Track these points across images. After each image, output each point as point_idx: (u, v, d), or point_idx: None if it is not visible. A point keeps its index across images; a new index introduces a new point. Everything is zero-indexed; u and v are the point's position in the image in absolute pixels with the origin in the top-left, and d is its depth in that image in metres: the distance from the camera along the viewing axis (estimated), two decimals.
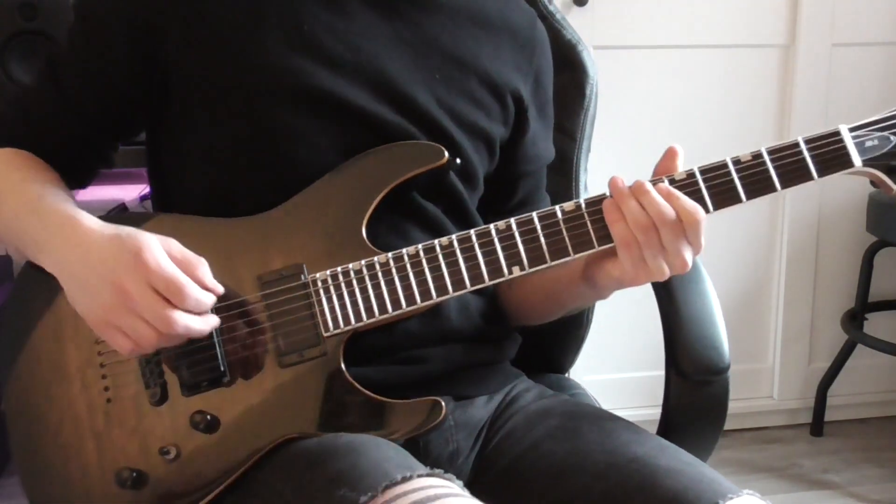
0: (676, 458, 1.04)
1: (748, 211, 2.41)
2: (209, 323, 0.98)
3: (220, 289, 0.99)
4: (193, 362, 1.04)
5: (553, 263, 1.02)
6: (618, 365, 2.46)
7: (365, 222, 1.06)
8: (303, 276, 1.04)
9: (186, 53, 1.07)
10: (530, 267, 1.02)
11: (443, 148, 1.08)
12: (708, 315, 1.26)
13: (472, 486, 1.08)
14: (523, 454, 1.10)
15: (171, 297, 0.95)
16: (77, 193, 1.16)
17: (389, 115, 1.09)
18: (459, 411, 1.14)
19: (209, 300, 0.98)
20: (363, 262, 1.03)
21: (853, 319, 2.55)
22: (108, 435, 1.05)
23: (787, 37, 2.49)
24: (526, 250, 1.02)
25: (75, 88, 1.12)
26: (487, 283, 1.03)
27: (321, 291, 1.04)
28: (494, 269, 1.03)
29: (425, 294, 1.03)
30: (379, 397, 1.03)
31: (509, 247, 1.03)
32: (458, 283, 1.03)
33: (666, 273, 0.99)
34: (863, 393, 2.71)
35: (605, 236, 1.01)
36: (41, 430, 1.07)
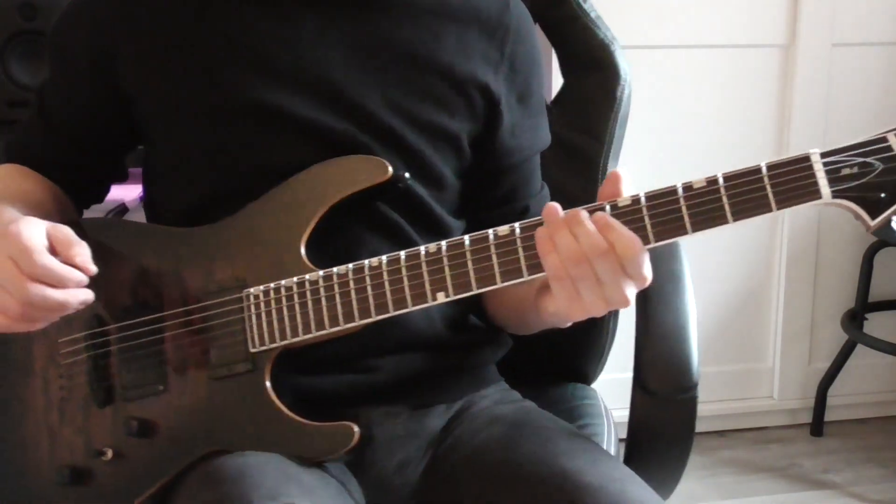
0: (604, 475, 1.00)
1: None
2: (74, 295, 0.98)
3: (92, 269, 0.98)
4: (134, 368, 1.07)
5: (479, 291, 0.97)
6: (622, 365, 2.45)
7: (304, 240, 1.05)
8: (241, 291, 1.05)
9: (139, 76, 1.11)
10: (455, 294, 0.98)
11: (386, 163, 1.05)
12: (679, 330, 1.19)
13: (419, 495, 1.10)
14: (463, 462, 1.09)
15: (20, 264, 0.95)
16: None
17: (336, 124, 1.08)
18: (412, 421, 1.13)
19: (68, 274, 0.97)
20: (295, 279, 1.03)
21: (853, 319, 2.55)
22: (59, 432, 1.09)
23: (787, 37, 2.49)
24: (452, 276, 0.98)
25: (56, 115, 1.19)
26: (411, 308, 0.99)
27: (252, 307, 1.04)
28: (418, 295, 0.99)
29: (348, 316, 1.01)
30: (297, 418, 1.03)
31: (436, 271, 0.98)
32: (380, 306, 1.00)
33: (604, 308, 0.93)
34: (863, 393, 2.71)
35: (535, 265, 0.95)
36: (5, 423, 1.12)
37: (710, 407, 2.59)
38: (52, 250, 0.97)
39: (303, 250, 1.04)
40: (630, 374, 1.23)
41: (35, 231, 0.97)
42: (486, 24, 1.15)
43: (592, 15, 1.40)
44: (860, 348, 2.55)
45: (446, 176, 1.14)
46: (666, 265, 1.26)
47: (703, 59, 2.46)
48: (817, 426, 2.65)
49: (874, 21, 2.51)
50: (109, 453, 1.07)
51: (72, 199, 1.21)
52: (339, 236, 1.07)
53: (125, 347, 1.08)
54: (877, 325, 2.59)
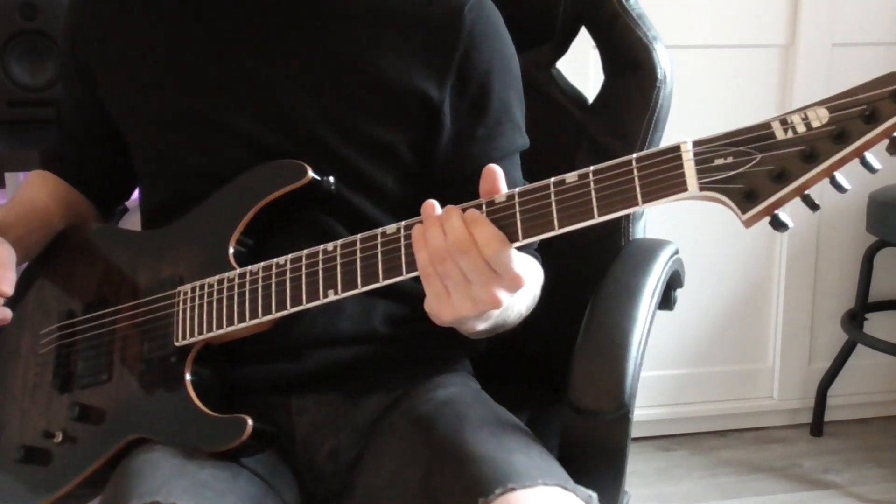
0: (498, 446, 1.00)
1: None
2: None
3: (6, 292, 1.10)
4: (88, 358, 1.15)
5: (364, 289, 0.97)
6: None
7: (232, 241, 1.09)
8: (176, 287, 1.11)
9: (104, 83, 1.19)
10: (343, 291, 0.99)
11: (306, 166, 1.08)
12: (615, 347, 1.10)
13: (347, 481, 1.12)
14: (390, 446, 1.10)
15: None
16: None
17: (266, 135, 1.11)
18: (345, 409, 1.14)
19: None
20: (217, 277, 1.08)
21: (853, 319, 2.55)
22: (28, 415, 1.17)
23: (787, 37, 2.49)
24: (342, 273, 0.99)
25: (66, 118, 1.29)
26: (305, 305, 1.01)
27: (180, 302, 1.09)
28: (312, 292, 1.01)
29: (253, 313, 1.05)
30: (202, 409, 1.06)
31: (329, 269, 1.00)
32: (280, 303, 1.03)
33: (473, 308, 0.90)
34: (863, 393, 2.71)
35: (414, 262, 0.93)
36: None
37: (710, 407, 2.59)
38: None
39: (231, 251, 1.09)
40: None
41: None
42: (433, 31, 1.11)
43: (634, 13, 1.35)
44: (860, 348, 2.55)
45: (385, 184, 1.13)
46: (625, 278, 1.21)
47: (703, 59, 2.46)
48: (817, 426, 2.65)
49: (874, 21, 2.51)
50: (59, 436, 1.13)
51: (94, 200, 1.30)
52: (283, 245, 1.08)
53: (83, 339, 1.16)
54: (877, 325, 2.59)
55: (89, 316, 1.16)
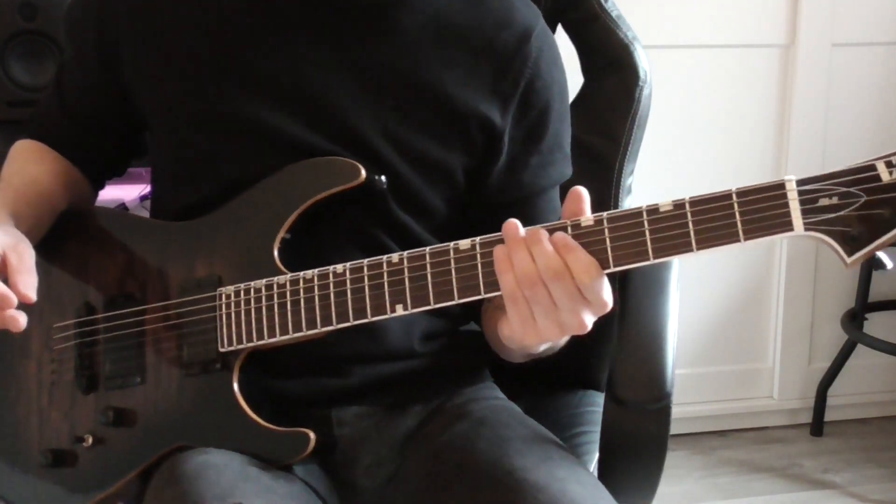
0: (549, 474, 0.98)
1: None
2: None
3: (31, 298, 1.00)
4: (116, 358, 1.09)
5: (437, 306, 0.95)
6: None
7: (277, 242, 1.04)
8: (216, 289, 1.05)
9: (137, 75, 1.12)
10: (413, 307, 0.95)
11: (359, 165, 1.04)
12: (654, 339, 1.13)
13: (386, 496, 1.10)
14: (423, 462, 1.08)
15: None
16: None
17: (321, 143, 1.07)
18: (385, 422, 1.12)
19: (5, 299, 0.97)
20: (265, 281, 1.02)
21: (853, 319, 2.55)
22: (48, 415, 1.12)
23: (787, 37, 2.49)
24: (411, 288, 0.95)
25: (70, 94, 1.20)
26: (370, 318, 0.97)
27: (224, 306, 1.04)
28: (378, 306, 0.97)
29: (311, 323, 1.00)
30: (258, 421, 1.03)
31: (396, 283, 0.96)
32: (341, 315, 0.99)
33: (559, 334, 0.89)
34: (863, 393, 2.71)
35: (493, 283, 0.91)
36: (2, 403, 1.14)
37: (710, 407, 2.59)
38: (4, 269, 1.00)
39: (276, 252, 1.04)
40: None
41: None
42: (501, 57, 1.10)
43: (614, 14, 1.37)
44: (860, 348, 2.55)
45: (435, 205, 1.11)
46: (651, 271, 1.22)
47: (703, 59, 2.46)
48: (817, 426, 2.65)
49: (874, 21, 2.51)
50: (90, 439, 1.08)
51: (87, 175, 1.22)
52: (323, 245, 1.06)
53: (110, 338, 1.10)
54: (877, 325, 2.59)
55: (115, 313, 1.10)
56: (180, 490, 0.96)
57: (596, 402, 1.39)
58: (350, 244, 1.07)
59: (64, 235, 1.16)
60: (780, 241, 2.57)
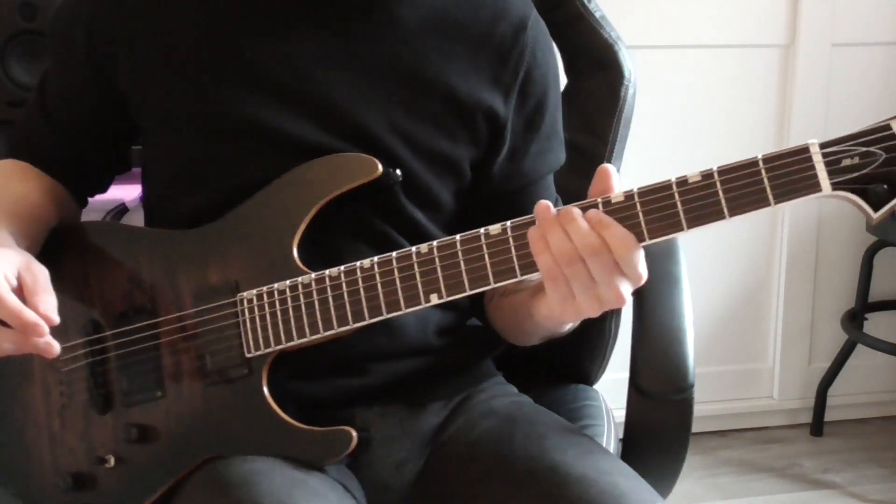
0: (594, 467, 1.00)
1: None
2: (33, 346, 0.95)
3: (55, 320, 0.96)
4: (132, 375, 1.06)
5: (473, 292, 0.96)
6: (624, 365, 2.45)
7: (296, 241, 1.03)
8: (234, 295, 1.03)
9: (135, 81, 1.10)
10: (448, 295, 0.96)
11: (376, 160, 1.03)
12: (675, 331, 1.18)
13: (417, 493, 1.10)
14: (457, 458, 1.09)
15: None
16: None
17: (336, 144, 1.06)
18: (409, 420, 1.12)
19: (30, 322, 0.94)
20: (288, 282, 1.01)
21: (853, 319, 2.55)
22: (61, 438, 1.08)
23: (787, 37, 2.49)
24: (444, 277, 0.96)
25: (55, 107, 1.17)
26: (404, 310, 0.98)
27: (246, 311, 1.03)
28: (411, 297, 0.97)
29: (342, 319, 0.99)
30: (295, 423, 1.02)
31: (428, 272, 0.96)
32: (373, 309, 0.98)
33: (598, 308, 0.91)
34: (863, 393, 2.71)
35: (529, 265, 0.93)
36: (8, 429, 1.11)
37: (710, 407, 2.59)
38: (19, 291, 0.96)
39: (295, 252, 1.03)
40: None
41: (6, 267, 0.96)
42: (500, 48, 1.11)
43: (597, 14, 1.39)
44: (860, 348, 2.55)
45: (442, 198, 1.12)
46: (663, 265, 1.25)
47: (703, 59, 2.46)
48: (817, 426, 2.65)
49: (874, 21, 2.51)
50: (112, 460, 1.06)
51: (73, 191, 1.19)
52: (332, 242, 1.06)
53: (122, 354, 1.07)
54: (877, 325, 2.59)
55: (126, 328, 1.07)
56: (233, 498, 0.94)
57: (591, 397, 1.41)
58: (359, 241, 1.07)
59: (58, 252, 1.12)
60: (780, 238, 2.58)
